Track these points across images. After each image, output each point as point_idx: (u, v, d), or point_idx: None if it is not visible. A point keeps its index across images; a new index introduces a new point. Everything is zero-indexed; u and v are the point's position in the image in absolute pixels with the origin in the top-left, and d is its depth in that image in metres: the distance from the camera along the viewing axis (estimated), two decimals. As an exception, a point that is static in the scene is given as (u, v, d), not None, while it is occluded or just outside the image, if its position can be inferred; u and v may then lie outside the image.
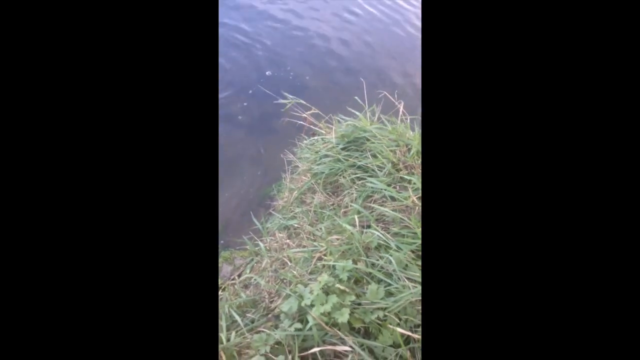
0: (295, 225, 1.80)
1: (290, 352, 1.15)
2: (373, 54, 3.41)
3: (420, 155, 1.74)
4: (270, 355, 1.14)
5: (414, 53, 3.43)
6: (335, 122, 2.03)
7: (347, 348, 1.12)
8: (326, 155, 1.94)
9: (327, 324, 1.19)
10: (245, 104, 2.78)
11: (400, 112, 1.91)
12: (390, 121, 1.94)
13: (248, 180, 2.43)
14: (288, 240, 1.79)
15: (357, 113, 1.97)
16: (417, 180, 1.61)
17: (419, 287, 1.26)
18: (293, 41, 3.41)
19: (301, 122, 2.22)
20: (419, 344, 1.14)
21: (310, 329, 1.18)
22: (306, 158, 2.07)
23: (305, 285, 1.37)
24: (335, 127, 1.97)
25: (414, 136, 1.82)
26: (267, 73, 3.01)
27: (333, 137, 1.90)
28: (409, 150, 1.78)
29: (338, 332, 1.16)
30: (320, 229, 1.69)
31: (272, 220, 2.05)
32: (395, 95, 1.96)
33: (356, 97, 2.02)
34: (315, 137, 2.12)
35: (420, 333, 1.15)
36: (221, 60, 3.08)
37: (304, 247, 1.66)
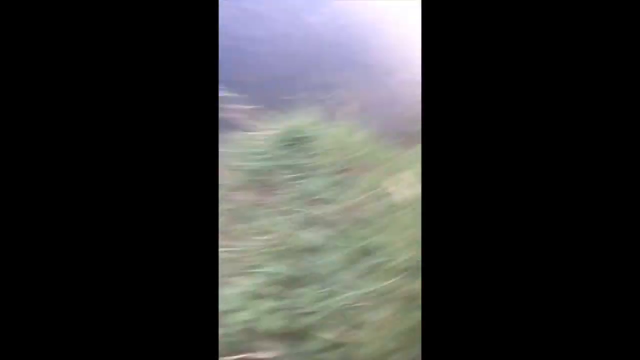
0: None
1: None
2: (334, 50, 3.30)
3: (361, 158, 1.73)
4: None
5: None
6: (274, 119, 1.94)
7: (270, 355, 1.01)
8: (261, 153, 1.82)
9: (252, 329, 1.08)
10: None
11: (347, 114, 1.91)
12: (334, 124, 1.92)
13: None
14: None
15: (299, 111, 1.91)
16: (357, 183, 1.58)
17: (350, 292, 1.24)
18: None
19: (234, 117, 2.08)
20: (349, 348, 1.09)
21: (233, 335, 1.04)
22: (238, 154, 1.92)
23: (228, 289, 1.23)
24: (274, 124, 1.88)
25: (356, 139, 1.81)
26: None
27: (271, 133, 1.80)
28: (351, 152, 1.75)
29: (263, 338, 1.05)
30: (251, 228, 1.55)
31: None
32: (342, 97, 1.95)
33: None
34: (252, 133, 2.00)
35: (349, 337, 1.09)
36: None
37: (230, 247, 1.51)
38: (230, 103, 2.00)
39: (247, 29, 3.01)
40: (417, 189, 1.41)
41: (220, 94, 2.04)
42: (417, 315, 1.13)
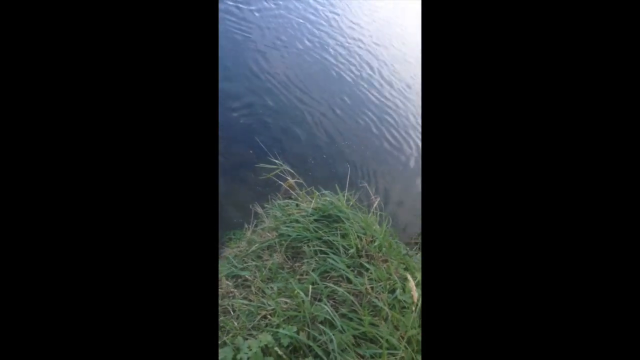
0: (247, 276, 1.79)
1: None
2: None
3: (381, 249, 1.89)
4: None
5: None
6: (314, 195, 2.17)
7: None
8: (297, 221, 2.02)
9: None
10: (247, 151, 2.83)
11: (374, 206, 2.10)
12: (362, 210, 2.11)
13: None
14: (234, 290, 1.75)
15: (337, 193, 2.13)
16: (374, 270, 1.72)
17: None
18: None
19: (281, 183, 2.33)
20: None
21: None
22: (276, 217, 2.14)
23: (245, 339, 1.34)
24: (314, 199, 2.09)
25: (380, 230, 1.98)
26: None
27: (311, 206, 2.01)
28: (373, 241, 1.92)
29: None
30: (272, 287, 1.69)
31: (221, 264, 2.01)
32: (374, 189, 2.17)
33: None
34: (291, 201, 2.22)
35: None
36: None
37: (250, 300, 1.64)
38: (283, 173, 2.29)
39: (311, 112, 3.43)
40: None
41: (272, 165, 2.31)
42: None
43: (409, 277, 1.58)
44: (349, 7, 5.61)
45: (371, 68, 4.52)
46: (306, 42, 4.16)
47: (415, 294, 1.53)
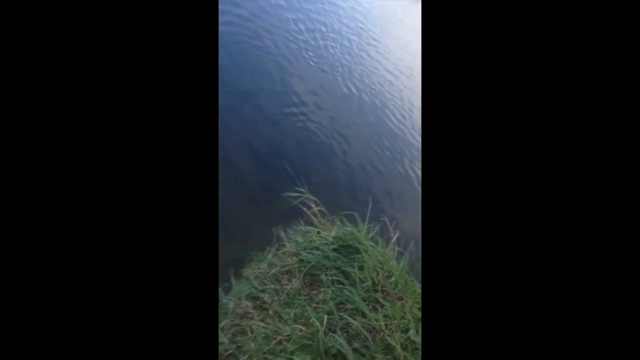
0: (266, 299, 1.85)
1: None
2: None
3: (397, 285, 1.92)
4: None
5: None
6: (336, 224, 2.24)
7: None
8: (317, 248, 2.08)
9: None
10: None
11: (393, 241, 2.15)
12: (381, 244, 2.16)
13: (230, 235, 2.48)
14: (253, 311, 1.82)
15: (357, 225, 2.19)
16: (389, 306, 1.75)
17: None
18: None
19: (304, 209, 2.41)
20: None
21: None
22: (297, 242, 2.21)
23: (259, 363, 1.40)
24: (335, 228, 2.16)
25: (397, 266, 2.02)
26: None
27: (332, 235, 2.08)
28: (389, 277, 1.96)
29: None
30: (289, 313, 1.75)
31: (242, 284, 2.08)
32: (393, 225, 2.22)
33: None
34: (313, 227, 2.30)
35: None
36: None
37: (267, 324, 1.70)
38: (306, 200, 2.37)
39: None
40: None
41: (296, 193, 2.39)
42: None
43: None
44: (382, 39, 5.80)
45: (404, 100, 4.63)
46: (350, 85, 4.29)
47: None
